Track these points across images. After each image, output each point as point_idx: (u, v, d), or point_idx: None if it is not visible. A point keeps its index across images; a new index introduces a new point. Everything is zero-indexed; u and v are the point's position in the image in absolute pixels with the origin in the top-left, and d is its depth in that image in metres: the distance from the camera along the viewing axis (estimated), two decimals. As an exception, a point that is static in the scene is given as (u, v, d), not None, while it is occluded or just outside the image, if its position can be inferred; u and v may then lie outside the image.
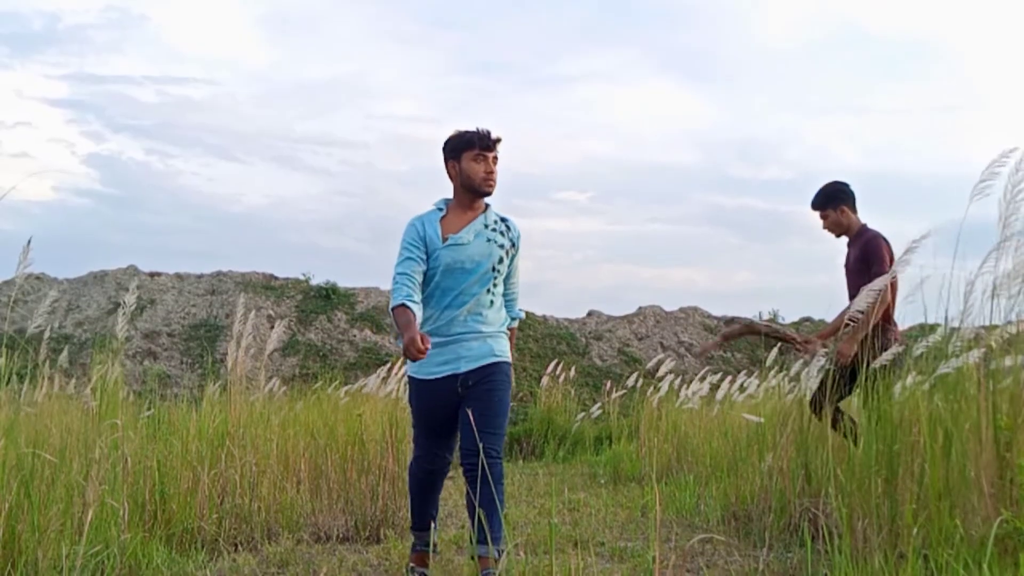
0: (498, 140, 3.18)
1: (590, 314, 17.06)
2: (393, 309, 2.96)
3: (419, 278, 3.07)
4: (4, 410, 3.22)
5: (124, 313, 3.65)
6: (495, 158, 3.17)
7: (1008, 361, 2.71)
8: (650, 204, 29.86)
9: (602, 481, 6.82)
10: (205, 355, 13.94)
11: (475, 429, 2.87)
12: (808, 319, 16.66)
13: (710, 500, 4.94)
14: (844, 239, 4.33)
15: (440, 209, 3.20)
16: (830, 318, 4.42)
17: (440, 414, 3.13)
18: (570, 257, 26.44)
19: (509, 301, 3.30)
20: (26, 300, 13.68)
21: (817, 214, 4.34)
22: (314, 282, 16.60)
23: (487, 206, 3.23)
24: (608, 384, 11.23)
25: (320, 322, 15.54)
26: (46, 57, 28.48)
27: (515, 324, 3.34)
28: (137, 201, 28.25)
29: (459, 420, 3.07)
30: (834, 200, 4.27)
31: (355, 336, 15.38)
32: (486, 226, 3.16)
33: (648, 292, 27.20)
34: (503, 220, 3.25)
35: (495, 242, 3.15)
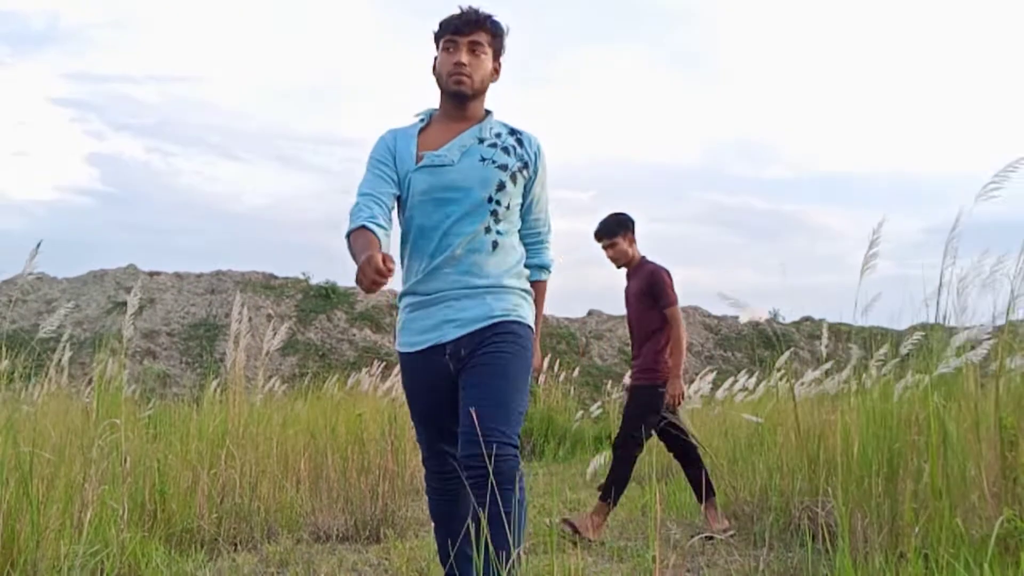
0: (479, 21, 2.30)
1: (590, 313, 17.05)
2: (348, 235, 2.19)
3: (389, 202, 2.29)
4: (3, 409, 3.22)
5: (129, 315, 3.65)
6: (472, 45, 2.30)
7: (1014, 361, 2.71)
8: (651, 203, 29.87)
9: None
10: (204, 354, 13.94)
11: (476, 421, 2.08)
12: (808, 318, 16.65)
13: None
14: (624, 270, 4.45)
15: (423, 120, 2.39)
16: (830, 317, 4.43)
17: (431, 399, 2.33)
18: (571, 256, 26.43)
19: (533, 244, 2.46)
20: (25, 300, 13.68)
21: (602, 244, 4.40)
22: (314, 281, 16.61)
23: (488, 113, 2.39)
24: (608, 383, 11.23)
25: (320, 321, 15.54)
26: (47, 56, 28.51)
27: (544, 277, 2.50)
28: (137, 200, 28.27)
29: (461, 401, 2.25)
30: (623, 228, 4.34)
31: (355, 335, 15.38)
32: (481, 140, 2.32)
33: (649, 292, 27.19)
34: (513, 133, 2.38)
35: (494, 161, 2.29)
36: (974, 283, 2.80)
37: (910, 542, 2.52)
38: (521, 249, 2.40)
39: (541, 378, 10.77)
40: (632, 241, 4.36)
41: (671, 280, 4.25)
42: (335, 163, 29.13)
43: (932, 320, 3.03)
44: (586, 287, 26.18)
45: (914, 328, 3.62)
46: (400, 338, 2.37)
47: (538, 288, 2.48)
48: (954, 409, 2.74)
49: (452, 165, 2.28)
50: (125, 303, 14.78)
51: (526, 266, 2.41)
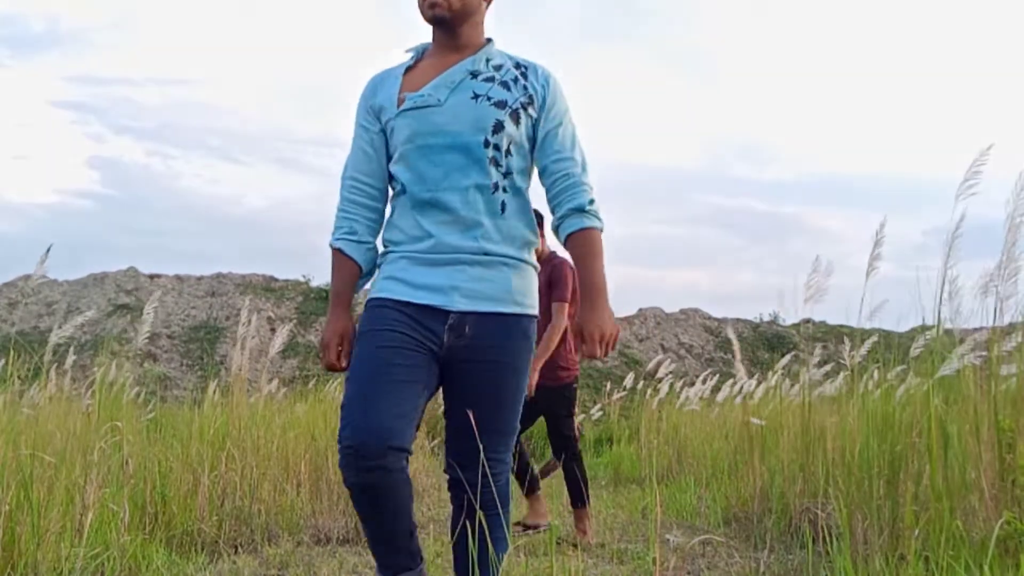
0: None
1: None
2: (332, 250, 1.97)
3: (378, 185, 1.97)
4: (4, 412, 3.22)
5: (144, 320, 3.65)
6: None
7: (1010, 364, 2.71)
8: (652, 205, 29.88)
9: (602, 483, 6.82)
10: (205, 357, 13.95)
11: (481, 448, 1.85)
12: (808, 320, 16.66)
13: (710, 502, 4.94)
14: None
15: (413, 57, 2.01)
16: (830, 319, 4.43)
17: (398, 357, 1.81)
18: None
19: (561, 184, 1.92)
20: (26, 302, 13.68)
21: None
22: (314, 284, 16.61)
23: (488, 42, 2.00)
24: (608, 386, 11.23)
25: (320, 324, 15.54)
26: (47, 59, 28.52)
27: (588, 224, 1.89)
28: (138, 203, 28.31)
29: (447, 412, 1.94)
30: (538, 225, 4.36)
31: (355, 338, 15.38)
32: (474, 74, 1.91)
33: (649, 293, 27.28)
34: (519, 65, 1.96)
35: (489, 98, 1.88)
36: (976, 285, 2.81)
37: (910, 544, 2.52)
38: (529, 208, 1.97)
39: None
40: (543, 237, 4.35)
41: (573, 277, 4.18)
42: (335, 165, 29.20)
43: (933, 322, 3.03)
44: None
45: (915, 330, 3.63)
46: (381, 283, 1.89)
47: (586, 240, 1.89)
48: (954, 411, 2.74)
49: (438, 105, 1.87)
50: (126, 305, 14.80)
51: (561, 217, 1.92)
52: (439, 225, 1.87)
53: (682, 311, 17.18)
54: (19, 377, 3.53)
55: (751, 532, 4.00)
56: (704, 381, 8.29)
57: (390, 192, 2.00)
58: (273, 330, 13.46)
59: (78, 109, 27.80)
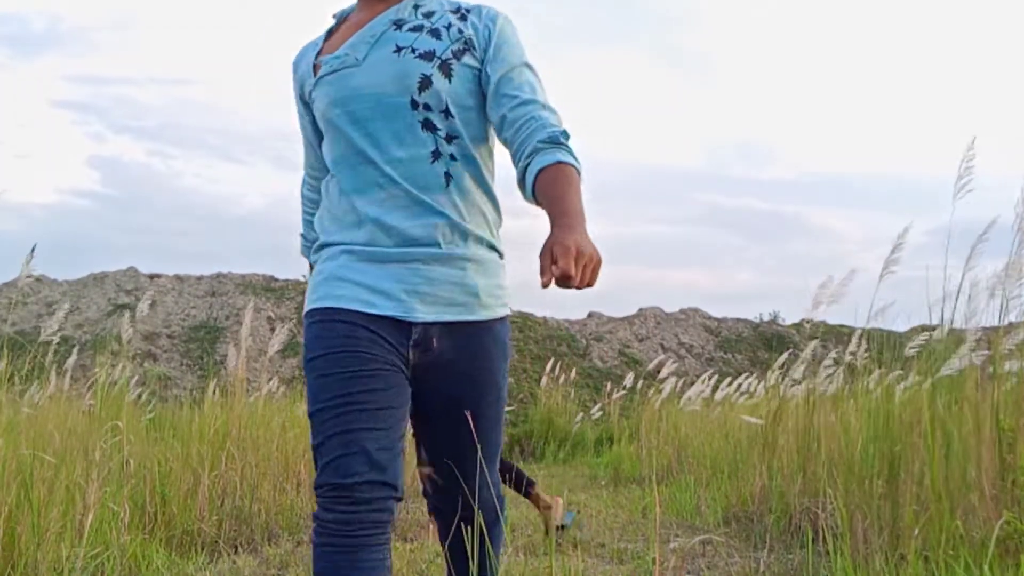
0: None
1: (590, 315, 17.05)
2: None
3: (325, 173, 1.70)
4: (4, 412, 3.22)
5: (130, 321, 3.65)
6: None
7: (1012, 362, 2.72)
8: (651, 205, 29.88)
9: (602, 483, 6.82)
10: (205, 357, 13.95)
11: (461, 480, 1.65)
12: (808, 320, 16.65)
13: (710, 501, 4.94)
14: None
15: (336, 19, 1.73)
16: (830, 319, 4.43)
17: (376, 352, 1.51)
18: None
19: (523, 117, 1.54)
20: (25, 302, 13.69)
21: None
22: (314, 284, 16.59)
23: None
24: (608, 385, 11.24)
25: (320, 324, 15.53)
26: (48, 58, 28.55)
27: (561, 158, 1.49)
28: (138, 202, 28.30)
29: (420, 429, 1.69)
30: None
31: (355, 338, 15.37)
32: (398, 24, 1.59)
33: (649, 294, 27.28)
34: (458, 10, 1.64)
35: (414, 50, 1.56)
36: (978, 286, 2.81)
37: (910, 544, 2.52)
38: (491, 183, 1.65)
39: (543, 381, 10.75)
40: None
41: None
42: (335, 165, 29.15)
43: (934, 322, 3.04)
44: (586, 289, 26.18)
45: (914, 330, 3.63)
46: (322, 287, 1.57)
47: (560, 170, 1.47)
48: (955, 411, 2.74)
49: (356, 65, 1.56)
50: (126, 305, 14.80)
51: (528, 157, 1.52)
52: (376, 206, 1.54)
53: (682, 311, 17.18)
54: (19, 376, 3.54)
55: (751, 532, 4.00)
56: (705, 381, 8.29)
57: (328, 186, 1.68)
58: (273, 329, 13.47)
59: (78, 109, 27.83)
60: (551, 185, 1.47)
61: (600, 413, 9.97)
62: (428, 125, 1.55)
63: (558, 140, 1.51)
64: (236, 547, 3.78)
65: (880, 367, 3.84)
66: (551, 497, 4.10)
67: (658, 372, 8.20)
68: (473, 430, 1.63)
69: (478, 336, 1.62)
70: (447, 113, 1.56)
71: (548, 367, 10.95)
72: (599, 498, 5.77)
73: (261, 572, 3.40)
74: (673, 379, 7.83)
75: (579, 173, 1.51)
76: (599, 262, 1.36)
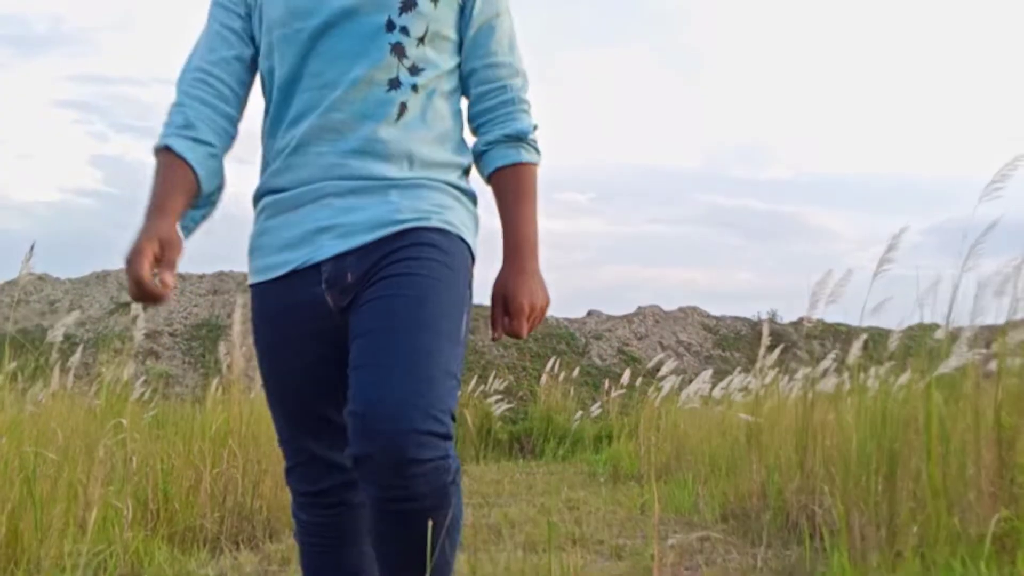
0: None
1: (590, 314, 17.07)
2: (156, 154, 1.36)
3: (233, 83, 1.40)
4: (8, 409, 3.24)
5: (139, 317, 3.66)
6: None
7: (1013, 361, 2.73)
8: (650, 205, 29.88)
9: (601, 480, 6.84)
10: (207, 355, 13.97)
11: (375, 393, 1.20)
12: (808, 320, 16.67)
13: (708, 498, 4.96)
14: None
15: None
16: (828, 318, 4.45)
17: (297, 363, 1.39)
18: (570, 257, 26.44)
19: (494, 102, 1.45)
20: (28, 300, 13.72)
21: None
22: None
23: None
24: (607, 383, 11.26)
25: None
26: (50, 58, 28.53)
27: (525, 158, 1.44)
28: (140, 201, 28.22)
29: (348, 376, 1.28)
30: None
31: (355, 335, 15.38)
32: None
33: (648, 292, 27.25)
34: None
35: None
36: (976, 285, 2.83)
37: (907, 541, 2.54)
38: (452, 122, 1.43)
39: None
40: None
41: None
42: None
43: (930, 320, 3.05)
44: (585, 288, 26.21)
45: (911, 328, 3.65)
46: (251, 262, 1.42)
47: (517, 176, 1.43)
48: (952, 408, 2.76)
49: None
50: (128, 303, 14.82)
51: (488, 143, 1.44)
52: (312, 134, 1.34)
53: (680, 309, 17.17)
54: (22, 375, 3.56)
55: (749, 528, 4.02)
56: (706, 380, 8.31)
57: (266, 124, 1.43)
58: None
59: (81, 108, 27.78)
60: (509, 194, 1.44)
61: (599, 411, 9.98)
62: (398, 50, 1.35)
63: (524, 137, 1.45)
64: (238, 543, 3.80)
65: (877, 364, 3.86)
66: None
67: (657, 370, 8.21)
68: (397, 328, 1.24)
69: (393, 242, 1.31)
70: (422, 41, 1.36)
71: (548, 365, 10.96)
72: (598, 495, 5.79)
73: (263, 568, 3.42)
74: (672, 377, 7.84)
75: (538, 165, 1.47)
76: (546, 307, 1.42)
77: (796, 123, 31.39)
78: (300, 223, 1.36)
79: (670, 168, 30.04)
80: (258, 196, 1.44)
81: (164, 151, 1.34)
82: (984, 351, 2.83)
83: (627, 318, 16.72)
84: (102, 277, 15.95)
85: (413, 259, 1.31)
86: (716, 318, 17.33)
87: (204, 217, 1.42)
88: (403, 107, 1.36)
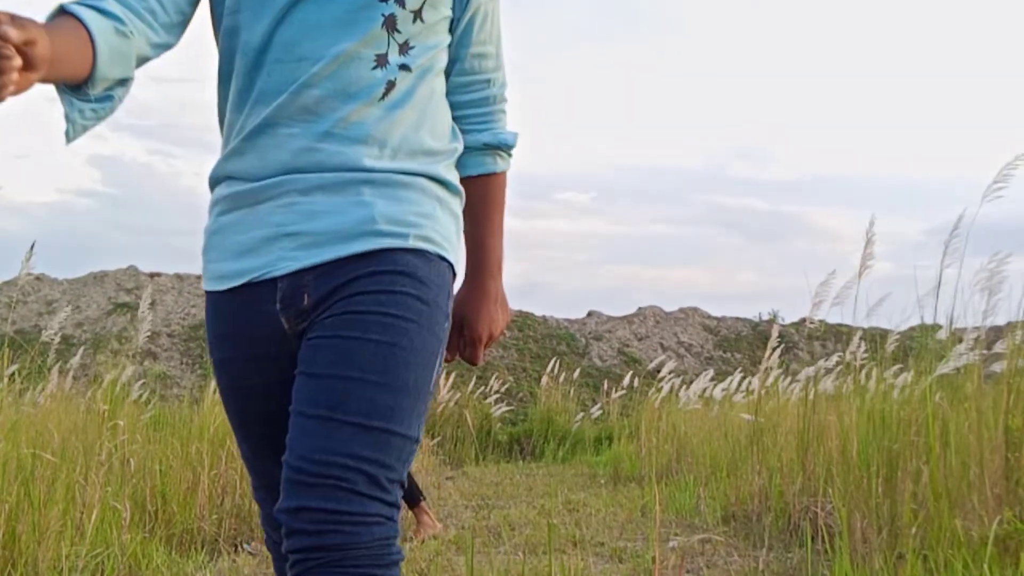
0: None
1: (590, 314, 17.07)
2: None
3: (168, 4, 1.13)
4: (5, 411, 3.23)
5: (143, 318, 3.65)
6: None
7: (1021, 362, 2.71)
8: (652, 205, 29.90)
9: (602, 481, 6.83)
10: (205, 355, 13.96)
11: (307, 445, 1.06)
12: (811, 321, 16.67)
13: (710, 500, 4.95)
14: None
15: None
16: (831, 318, 4.44)
17: (254, 383, 1.23)
18: (571, 258, 26.45)
19: (476, 105, 1.33)
20: (25, 301, 13.70)
21: None
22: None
23: None
24: (607, 384, 11.25)
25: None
26: (46, 58, 28.46)
27: (500, 168, 1.36)
28: (138, 201, 28.26)
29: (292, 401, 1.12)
30: None
31: (355, 337, 15.38)
32: None
33: (649, 293, 27.29)
34: None
35: None
36: (978, 284, 2.82)
37: (909, 543, 2.53)
38: (444, 105, 1.28)
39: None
40: None
41: None
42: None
43: (931, 321, 3.04)
44: (586, 288, 26.21)
45: (913, 329, 3.64)
46: (205, 263, 1.25)
47: (489, 187, 1.33)
48: (954, 409, 2.75)
49: None
50: (126, 304, 14.82)
51: (464, 147, 1.31)
52: (281, 112, 1.15)
53: (681, 310, 17.18)
54: (20, 376, 3.54)
55: (750, 531, 4.01)
56: (709, 380, 8.29)
57: (227, 96, 1.22)
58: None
59: (78, 108, 27.78)
60: (477, 204, 1.33)
61: (600, 412, 9.98)
62: (390, 23, 1.17)
63: (502, 147, 1.35)
64: (236, 546, 3.78)
65: (878, 365, 3.85)
66: (434, 521, 4.17)
67: (658, 371, 8.20)
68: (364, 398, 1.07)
69: (365, 263, 1.13)
70: (418, 15, 1.19)
71: (548, 366, 10.96)
72: (599, 497, 5.78)
73: (261, 571, 3.41)
74: (672, 378, 7.83)
75: (507, 171, 1.38)
76: (505, 325, 1.36)
77: (797, 123, 31.41)
78: (257, 224, 1.17)
79: (671, 168, 30.07)
80: (216, 180, 1.24)
81: (57, 15, 1.01)
82: (986, 352, 2.82)
83: (627, 319, 16.72)
84: (100, 277, 15.94)
85: (385, 293, 1.12)
86: (717, 319, 17.33)
87: (99, 115, 1.08)
88: (390, 86, 1.17)
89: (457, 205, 1.28)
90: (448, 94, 1.30)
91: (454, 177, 1.26)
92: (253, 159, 1.17)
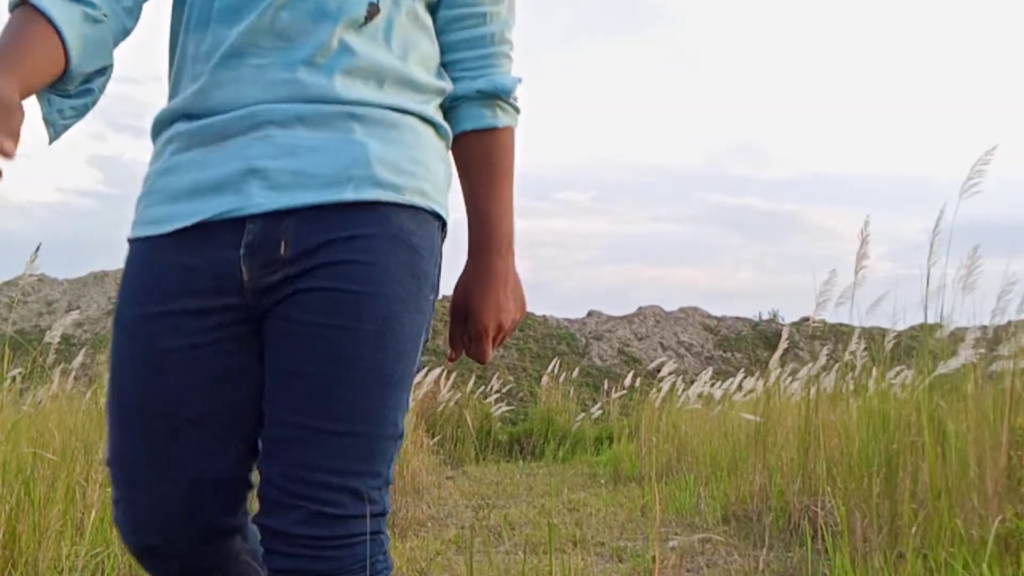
0: None
1: (590, 314, 17.07)
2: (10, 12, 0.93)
3: None
4: (6, 411, 3.23)
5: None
6: None
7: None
8: (652, 204, 29.93)
9: (602, 481, 6.83)
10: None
11: (290, 458, 0.94)
12: (808, 319, 16.67)
13: (710, 500, 4.95)
14: None
15: None
16: (830, 318, 4.44)
17: (180, 345, 0.97)
18: (571, 257, 26.48)
19: (470, 47, 1.10)
20: (26, 300, 13.71)
21: None
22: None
23: None
24: (607, 384, 11.26)
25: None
26: (46, 58, 28.49)
27: (502, 123, 1.12)
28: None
29: (265, 397, 0.98)
30: None
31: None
32: None
33: (649, 292, 27.32)
34: None
35: None
36: (976, 283, 2.82)
37: (909, 542, 2.53)
38: (434, 39, 1.10)
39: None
40: None
41: None
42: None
43: (932, 320, 3.04)
44: (586, 287, 26.22)
45: (913, 328, 3.64)
46: (138, 210, 1.05)
47: (491, 145, 1.12)
48: (955, 408, 2.75)
49: None
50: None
51: (456, 97, 1.11)
52: (241, 37, 0.98)
53: (681, 309, 17.18)
54: (20, 376, 3.55)
55: (751, 530, 4.02)
56: (708, 379, 8.30)
57: (181, 21, 1.06)
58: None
59: (78, 108, 27.83)
60: (479, 169, 1.12)
61: (600, 412, 9.98)
62: None
63: (505, 95, 1.13)
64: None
65: (878, 365, 3.85)
66: None
67: (658, 371, 8.21)
68: (347, 396, 0.95)
69: (356, 221, 0.97)
70: None
71: (548, 366, 10.96)
72: (599, 496, 5.78)
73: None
74: (672, 378, 7.84)
75: (515, 128, 1.16)
76: (520, 319, 1.14)
77: (798, 122, 31.43)
78: (225, 159, 0.97)
79: (671, 167, 30.09)
80: (164, 123, 1.04)
81: (19, 7, 0.92)
82: (984, 351, 2.82)
83: (628, 318, 16.72)
84: (100, 277, 15.94)
85: (379, 267, 0.97)
86: (717, 318, 17.33)
87: (78, 111, 1.00)
88: (373, 9, 1.00)
89: (445, 150, 1.11)
90: (439, 34, 1.11)
91: (442, 119, 1.10)
92: (216, 95, 0.98)
